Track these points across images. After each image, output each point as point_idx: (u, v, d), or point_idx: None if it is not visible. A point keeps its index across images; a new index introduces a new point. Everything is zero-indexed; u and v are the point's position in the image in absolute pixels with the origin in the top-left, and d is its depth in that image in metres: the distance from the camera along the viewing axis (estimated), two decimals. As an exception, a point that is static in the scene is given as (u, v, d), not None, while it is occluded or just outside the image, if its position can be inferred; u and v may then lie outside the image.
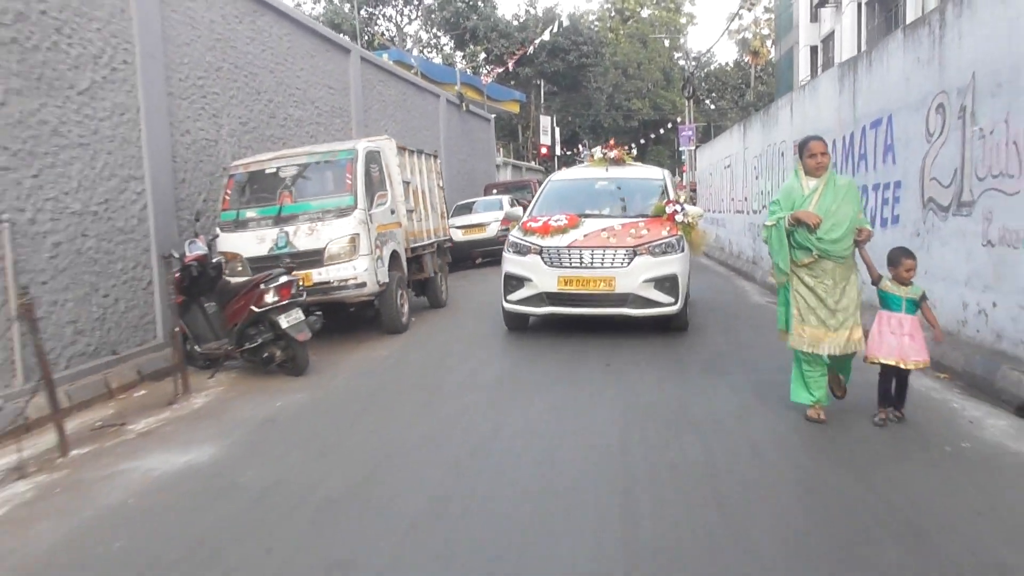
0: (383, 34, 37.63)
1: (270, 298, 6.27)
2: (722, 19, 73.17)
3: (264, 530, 3.52)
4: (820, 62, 23.66)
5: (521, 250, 7.76)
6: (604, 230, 7.69)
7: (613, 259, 7.40)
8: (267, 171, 8.07)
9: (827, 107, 10.20)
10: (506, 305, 7.86)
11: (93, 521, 3.72)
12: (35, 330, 4.76)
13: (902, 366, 4.61)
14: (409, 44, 38.37)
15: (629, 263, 7.37)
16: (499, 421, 5.03)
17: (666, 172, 9.71)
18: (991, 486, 3.68)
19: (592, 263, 7.42)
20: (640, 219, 7.99)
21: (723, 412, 5.06)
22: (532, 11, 39.13)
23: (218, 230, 7.80)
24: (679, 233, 7.79)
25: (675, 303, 7.41)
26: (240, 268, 7.54)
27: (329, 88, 12.71)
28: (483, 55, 35.42)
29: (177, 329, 6.21)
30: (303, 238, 7.57)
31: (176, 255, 6.77)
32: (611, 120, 44.90)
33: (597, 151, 9.79)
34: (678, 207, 8.01)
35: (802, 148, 4.94)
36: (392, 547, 3.27)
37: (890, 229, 7.89)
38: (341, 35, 16.69)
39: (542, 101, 37.95)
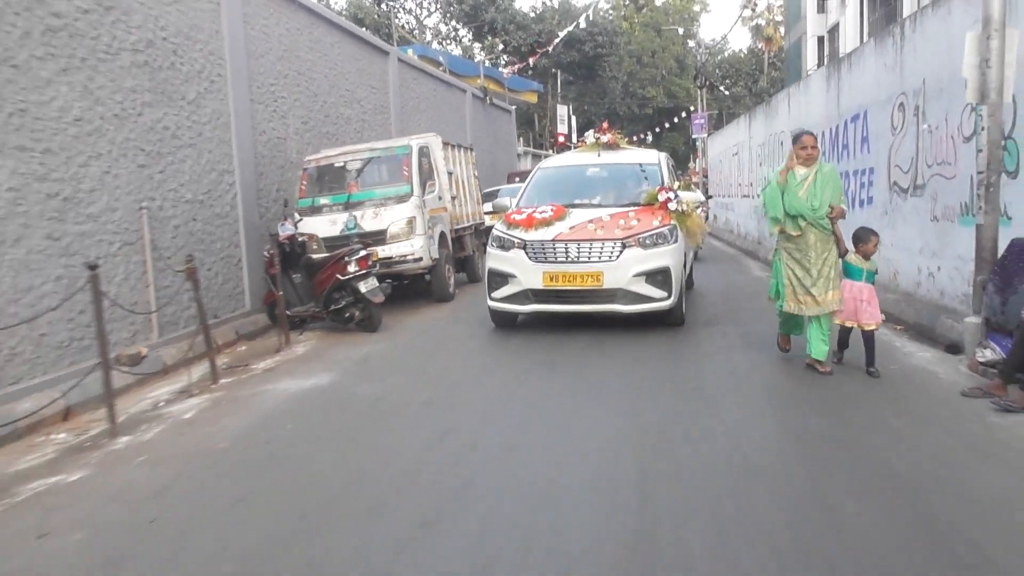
0: (404, 27, 39.00)
1: (352, 268, 7.84)
2: (735, 6, 73.79)
3: (382, 421, 5.06)
4: (827, 52, 24.91)
5: (504, 244, 7.49)
6: (591, 221, 7.35)
7: (600, 252, 7.10)
8: (335, 165, 9.64)
9: (817, 102, 11.62)
10: (491, 303, 7.61)
11: (260, 417, 5.29)
12: (196, 287, 6.34)
13: (850, 325, 5.86)
14: (428, 36, 39.78)
15: (618, 256, 7.06)
16: (530, 358, 6.58)
17: (662, 155, 9.19)
18: (896, 388, 5.17)
19: (578, 257, 7.11)
20: (631, 208, 7.66)
21: (714, 349, 6.58)
22: (548, 3, 40.39)
23: (297, 215, 9.36)
24: (672, 222, 7.44)
25: (668, 298, 7.10)
26: (315, 247, 9.10)
27: (372, 88, 14.23)
28: (501, 47, 36.83)
29: (281, 293, 7.79)
30: (369, 221, 9.13)
31: (272, 235, 8.36)
32: (626, 108, 46.18)
33: (589, 135, 9.34)
34: (671, 194, 7.66)
35: (795, 140, 5.81)
36: (476, 422, 4.82)
37: (866, 208, 9.33)
38: (377, 36, 18.16)
39: (559, 90, 39.32)
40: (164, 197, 7.81)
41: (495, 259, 7.54)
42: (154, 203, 7.63)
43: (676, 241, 7.32)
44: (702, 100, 30.45)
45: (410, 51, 24.05)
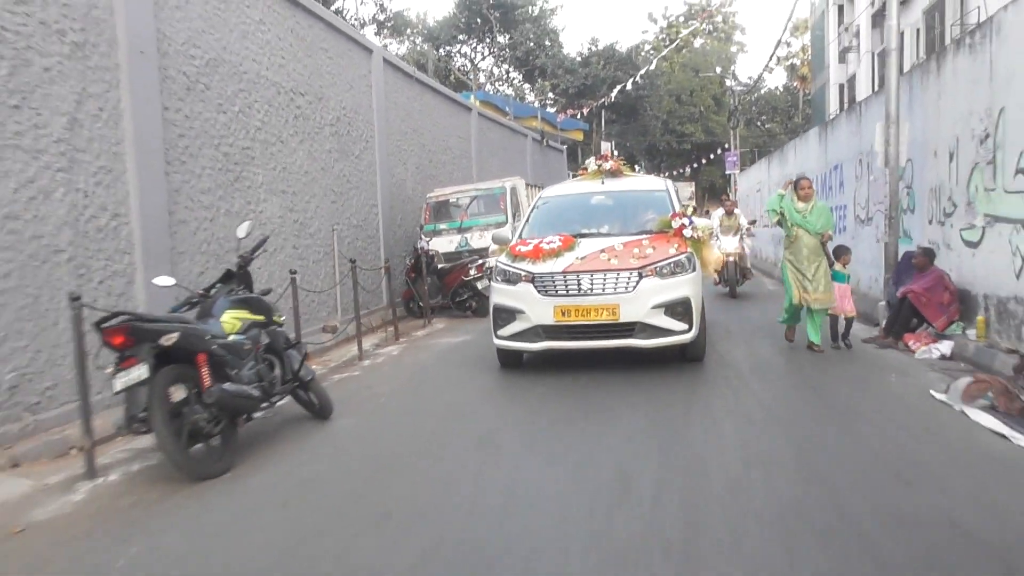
0: (460, 69, 43.28)
1: (472, 272, 11.58)
2: (770, 46, 77.22)
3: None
4: (847, 98, 28.33)
5: (510, 278, 7.21)
6: (604, 251, 7.12)
7: (616, 283, 6.83)
8: (450, 200, 13.44)
9: (814, 153, 15.20)
10: (497, 342, 7.34)
11: (440, 352, 8.97)
12: (389, 280, 10.12)
13: (841, 315, 9.10)
14: (483, 79, 43.98)
15: (634, 287, 6.81)
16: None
17: (669, 182, 9.08)
18: (854, 351, 8.54)
19: (592, 289, 6.85)
20: (644, 236, 7.48)
21: (738, 335, 10.11)
22: (594, 48, 44.41)
23: (424, 237, 13.16)
24: (689, 250, 7.25)
25: (689, 330, 6.89)
26: (437, 259, 12.85)
27: (459, 137, 18.12)
28: (550, 91, 40.90)
29: (420, 288, 11.57)
30: (476, 240, 12.87)
31: (415, 248, 12.18)
32: (666, 143, 49.85)
33: (591, 163, 9.16)
34: (686, 220, 7.49)
35: (796, 183, 8.13)
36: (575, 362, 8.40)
37: (842, 234, 12.82)
38: (460, 94, 22.14)
39: (603, 128, 43.16)
40: (343, 223, 11.64)
41: (500, 294, 7.24)
42: (339, 227, 11.45)
43: (695, 270, 7.12)
44: (735, 139, 34.01)
45: (472, 97, 28.20)
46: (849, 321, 8.35)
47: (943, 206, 8.59)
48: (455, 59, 44.73)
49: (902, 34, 15.83)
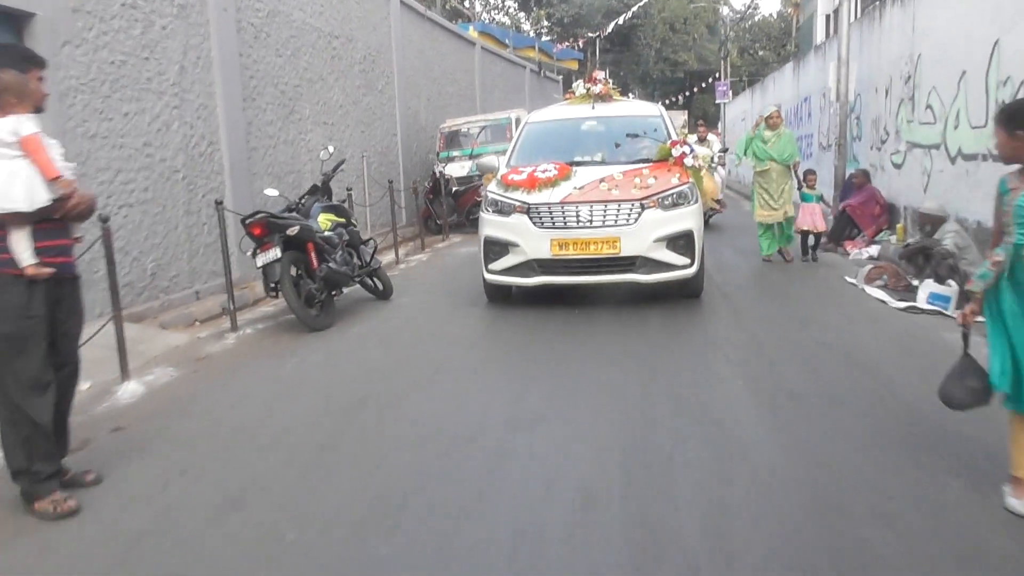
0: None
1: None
2: (771, -34, 77.02)
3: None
4: (832, 29, 29.71)
5: (503, 209, 6.84)
6: (603, 180, 6.76)
7: (617, 215, 6.52)
8: (461, 130, 15.17)
9: (788, 86, 16.92)
10: (487, 276, 7.01)
11: (462, 258, 10.89)
12: (416, 199, 11.97)
13: (812, 231, 11.02)
14: (478, 7, 44.76)
15: (636, 219, 6.50)
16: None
17: (661, 107, 8.76)
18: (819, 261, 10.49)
19: (592, 221, 6.53)
20: (643, 165, 7.12)
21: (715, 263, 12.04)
22: (590, -25, 45.11)
23: (439, 162, 14.92)
24: (691, 180, 6.91)
25: (691, 264, 6.64)
26: (452, 183, 14.65)
27: (464, 71, 19.67)
28: (544, 20, 41.85)
29: (438, 207, 13.44)
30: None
31: (432, 173, 13.99)
32: (659, 72, 50.90)
33: (579, 86, 8.70)
34: (687, 148, 7.19)
35: (768, 115, 9.52)
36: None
37: (809, 159, 14.67)
38: (458, 24, 23.51)
39: (597, 58, 44.24)
40: (370, 150, 13.40)
41: (493, 226, 6.85)
42: (367, 153, 13.22)
43: (697, 201, 6.81)
44: (725, 69, 35.35)
45: (471, 28, 29.48)
46: (818, 236, 9.66)
47: (880, 135, 10.45)
48: (451, -13, 45.38)
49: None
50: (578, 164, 7.24)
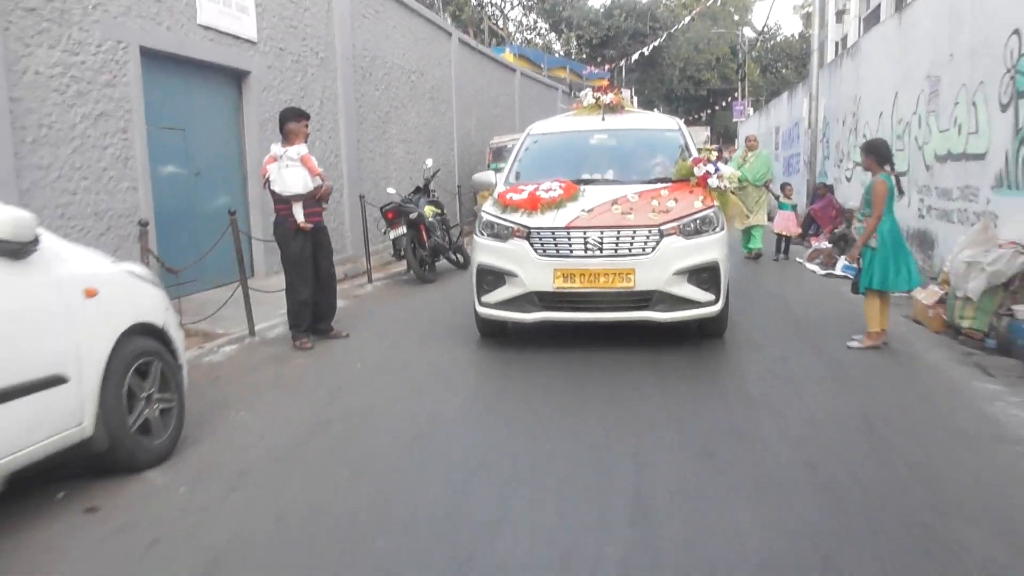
0: (490, 17, 47.59)
1: (526, 198, 16.72)
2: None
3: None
4: (840, 51, 32.85)
5: (499, 233, 6.02)
6: (615, 202, 5.98)
7: (631, 243, 5.74)
8: (507, 145, 18.49)
9: (784, 111, 20.12)
10: (480, 309, 6.20)
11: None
12: (460, 200, 15.29)
13: (785, 234, 14.17)
14: (512, 28, 48.33)
15: (654, 248, 5.73)
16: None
17: (680, 121, 7.80)
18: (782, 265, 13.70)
19: (602, 249, 5.75)
20: (661, 185, 6.35)
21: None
22: (616, 0, 48.61)
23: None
24: (716, 204, 6.15)
25: (716, 301, 5.88)
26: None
27: (506, 95, 23.06)
28: (574, 41, 45.34)
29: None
30: (527, 176, 17.94)
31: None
32: (683, 90, 54.15)
33: (587, 95, 7.85)
34: (711, 167, 6.34)
35: (747, 137, 14.45)
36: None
37: (796, 175, 17.83)
38: (493, 48, 26.93)
39: (623, 76, 47.63)
40: (435, 159, 16.76)
41: (487, 252, 6.08)
42: (425, 163, 16.56)
43: (723, 228, 6.10)
44: (743, 89, 38.54)
45: (507, 50, 32.98)
46: (788, 239, 12.77)
47: (839, 155, 13.63)
48: (486, 8, 49.02)
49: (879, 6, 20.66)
50: (586, 182, 6.40)
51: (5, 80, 5.92)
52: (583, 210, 5.93)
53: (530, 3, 48.13)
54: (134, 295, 4.00)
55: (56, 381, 3.35)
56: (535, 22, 48.99)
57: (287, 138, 6.52)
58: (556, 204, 5.99)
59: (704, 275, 5.84)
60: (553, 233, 5.83)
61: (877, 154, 6.29)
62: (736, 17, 59.33)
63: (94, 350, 3.60)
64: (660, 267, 5.72)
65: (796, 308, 7.93)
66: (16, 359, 3.18)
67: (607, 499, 3.50)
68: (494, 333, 6.52)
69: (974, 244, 6.71)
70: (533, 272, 5.81)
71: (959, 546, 2.99)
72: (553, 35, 49.12)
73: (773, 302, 8.26)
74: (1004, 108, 6.91)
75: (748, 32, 58.41)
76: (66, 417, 3.44)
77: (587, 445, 4.18)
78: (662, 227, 5.80)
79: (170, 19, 7.90)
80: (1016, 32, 6.66)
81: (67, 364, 3.43)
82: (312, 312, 6.67)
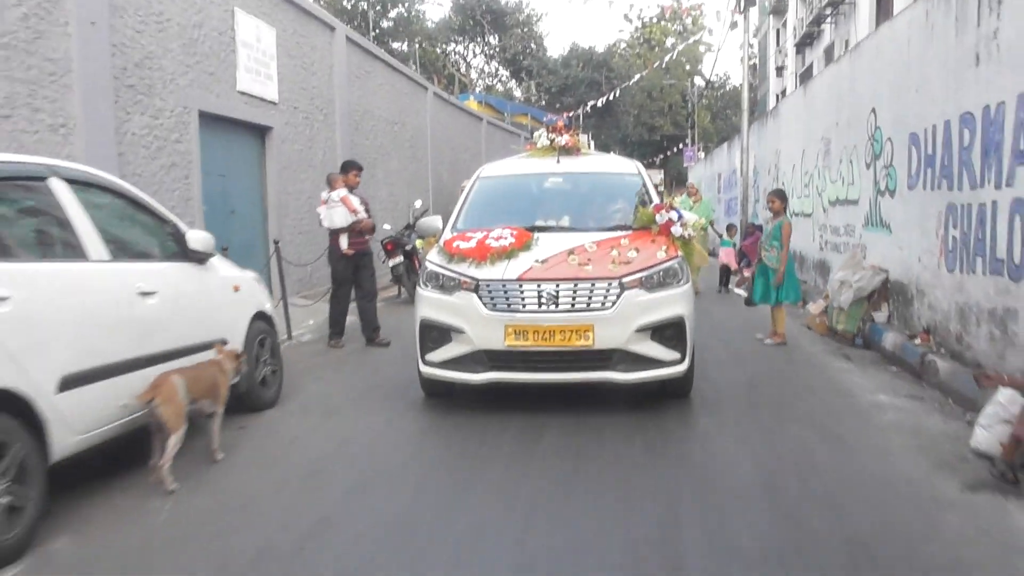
0: (454, 65, 50.21)
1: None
2: (738, 47, 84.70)
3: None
4: (779, 99, 35.97)
5: (445, 285, 5.58)
6: (572, 252, 5.57)
7: (590, 297, 5.32)
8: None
9: (724, 160, 22.68)
10: (423, 368, 5.70)
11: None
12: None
13: (729, 266, 16.36)
14: (474, 75, 51.02)
15: (614, 303, 5.32)
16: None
17: (639, 165, 7.43)
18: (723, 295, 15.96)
19: (558, 304, 5.31)
20: (621, 233, 5.97)
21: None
22: (574, 48, 51.71)
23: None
24: (680, 254, 5.77)
25: (681, 360, 5.48)
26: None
27: (473, 140, 25.33)
28: (534, 89, 48.15)
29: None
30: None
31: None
32: (638, 135, 57.25)
33: (541, 135, 7.39)
34: (674, 214, 5.99)
35: (688, 186, 16.90)
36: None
37: (735, 215, 20.25)
38: (458, 96, 29.28)
39: (581, 122, 50.50)
40: (411, 203, 18.82)
41: (431, 305, 5.62)
42: (413, 204, 18.62)
43: (687, 280, 5.70)
44: (693, 136, 41.47)
45: (471, 98, 35.44)
46: (730, 271, 15.27)
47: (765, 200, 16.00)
48: (451, 56, 51.71)
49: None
50: (540, 229, 6.04)
51: (114, 141, 7.87)
52: (536, 260, 5.50)
53: (491, 52, 50.96)
54: (255, 292, 5.99)
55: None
56: (496, 70, 51.81)
57: (331, 185, 8.53)
58: (507, 253, 5.56)
59: (669, 332, 5.46)
60: (504, 286, 5.40)
61: (784, 199, 8.63)
62: (688, 67, 62.98)
63: (239, 326, 5.57)
64: (621, 323, 5.30)
65: (719, 320, 10.08)
66: (206, 326, 5.15)
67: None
68: (439, 394, 6.03)
69: (846, 267, 8.98)
70: (482, 328, 5.36)
71: (780, 429, 5.13)
72: (514, 82, 51.94)
73: (706, 318, 10.44)
74: (868, 166, 9.20)
75: (699, 80, 62.08)
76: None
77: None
78: (623, 279, 5.38)
79: (218, 87, 9.90)
80: (873, 111, 8.98)
81: (227, 332, 5.38)
82: (361, 320, 8.63)
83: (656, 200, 6.43)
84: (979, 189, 6.18)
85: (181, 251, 5.10)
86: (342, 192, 8.48)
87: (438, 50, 49.37)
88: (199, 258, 5.21)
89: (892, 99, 8.34)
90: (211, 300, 5.31)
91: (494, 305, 5.37)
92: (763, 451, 4.85)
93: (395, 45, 44.67)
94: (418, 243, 8.72)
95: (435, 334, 5.56)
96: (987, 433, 4.55)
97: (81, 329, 3.97)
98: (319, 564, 3.43)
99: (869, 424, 5.44)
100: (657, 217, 6.00)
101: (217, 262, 5.52)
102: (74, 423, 3.85)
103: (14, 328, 3.51)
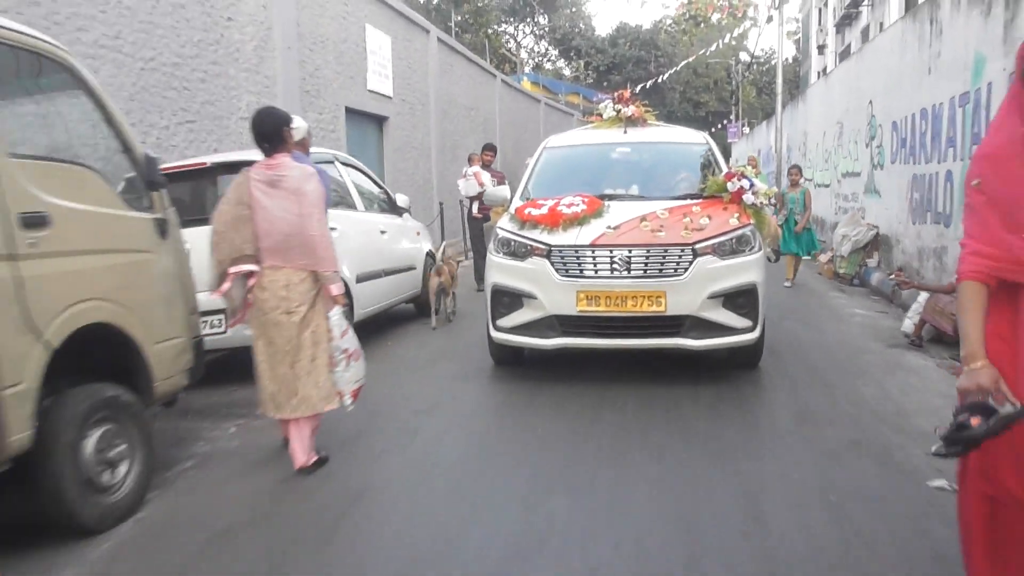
0: (505, 46, 52.79)
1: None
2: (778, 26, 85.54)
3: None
4: (822, 75, 38.05)
5: (517, 251, 5.67)
6: (644, 218, 5.57)
7: (662, 264, 5.37)
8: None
9: (764, 136, 25.14)
10: (494, 334, 5.88)
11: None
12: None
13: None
14: (524, 55, 53.59)
15: (687, 269, 5.34)
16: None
17: (707, 136, 7.43)
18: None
19: (630, 269, 5.37)
20: (692, 201, 5.98)
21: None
22: (622, 27, 54.01)
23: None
24: (752, 222, 5.72)
25: (753, 328, 5.52)
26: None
27: (533, 122, 28.12)
28: (582, 67, 50.62)
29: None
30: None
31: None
32: (683, 111, 59.37)
33: (607, 106, 7.46)
34: (745, 182, 5.90)
35: (748, 159, 19.51)
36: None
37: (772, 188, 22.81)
38: (513, 76, 32.00)
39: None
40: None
41: (503, 271, 5.72)
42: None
43: (760, 248, 5.66)
44: (737, 112, 43.66)
45: (525, 79, 38.18)
46: None
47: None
48: (502, 37, 54.34)
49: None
50: (610, 198, 6.10)
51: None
52: (609, 227, 5.52)
53: (540, 32, 53.48)
54: (425, 236, 8.97)
55: (414, 268, 8.26)
56: (546, 50, 54.33)
57: (470, 162, 11.42)
58: (579, 220, 5.60)
59: (741, 299, 5.44)
60: (576, 251, 5.44)
61: (801, 172, 11.43)
62: (733, 43, 64.67)
63: (420, 258, 8.57)
64: (693, 290, 5.31)
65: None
66: (408, 255, 8.20)
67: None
68: (508, 360, 6.21)
69: (847, 224, 11.68)
70: (554, 294, 5.44)
71: (783, 346, 7.96)
72: (562, 61, 54.42)
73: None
74: (867, 145, 11.84)
75: (744, 56, 63.79)
76: (415, 284, 8.41)
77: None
78: (696, 246, 5.37)
79: (356, 87, 12.88)
80: (870, 102, 11.62)
81: (415, 261, 8.38)
82: (474, 270, 11.47)
83: (725, 169, 6.40)
84: (929, 164, 8.88)
85: (391, 207, 8.08)
86: (476, 168, 11.33)
87: (490, 31, 52.01)
88: (400, 212, 8.19)
89: (882, 94, 10.99)
90: (409, 239, 8.30)
91: (566, 271, 5.44)
92: (768, 335, 7.70)
93: (466, 36, 47.62)
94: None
95: (506, 300, 5.69)
96: (909, 321, 7.34)
97: (360, 248, 6.97)
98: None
99: (842, 322, 8.26)
100: (728, 185, 5.94)
101: (408, 215, 8.50)
102: (363, 302, 6.85)
103: (339, 245, 6.49)
